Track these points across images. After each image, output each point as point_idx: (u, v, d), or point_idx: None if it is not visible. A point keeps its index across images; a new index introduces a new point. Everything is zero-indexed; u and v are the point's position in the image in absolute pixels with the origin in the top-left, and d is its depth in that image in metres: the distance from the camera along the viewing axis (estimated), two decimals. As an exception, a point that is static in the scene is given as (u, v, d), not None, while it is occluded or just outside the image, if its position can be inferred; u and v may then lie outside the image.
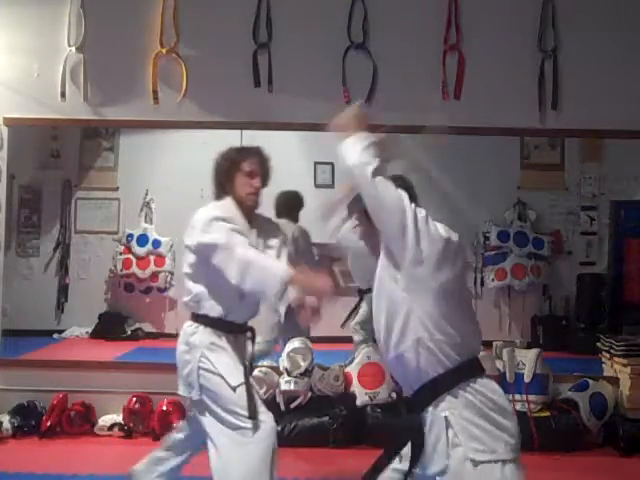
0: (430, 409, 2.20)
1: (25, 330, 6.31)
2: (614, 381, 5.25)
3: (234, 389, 3.25)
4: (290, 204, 6.16)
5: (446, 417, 2.17)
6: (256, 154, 3.60)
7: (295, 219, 6.19)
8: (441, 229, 2.34)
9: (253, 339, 3.48)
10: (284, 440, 4.93)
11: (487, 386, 2.26)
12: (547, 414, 5.06)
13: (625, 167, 6.61)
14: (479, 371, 2.28)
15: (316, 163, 7.02)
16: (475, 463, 2.13)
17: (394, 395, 5.11)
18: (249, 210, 3.56)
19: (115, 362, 5.95)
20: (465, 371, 2.24)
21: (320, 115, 5.26)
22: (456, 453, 2.15)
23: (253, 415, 3.19)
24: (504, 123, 5.24)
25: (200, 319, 3.38)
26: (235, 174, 3.55)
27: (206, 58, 5.32)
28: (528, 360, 5.22)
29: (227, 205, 3.50)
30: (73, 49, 5.31)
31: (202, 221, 3.38)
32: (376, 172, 2.31)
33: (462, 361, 2.23)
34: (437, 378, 2.20)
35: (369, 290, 2.54)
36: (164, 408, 5.16)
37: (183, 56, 5.31)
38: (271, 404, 5.10)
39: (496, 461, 2.14)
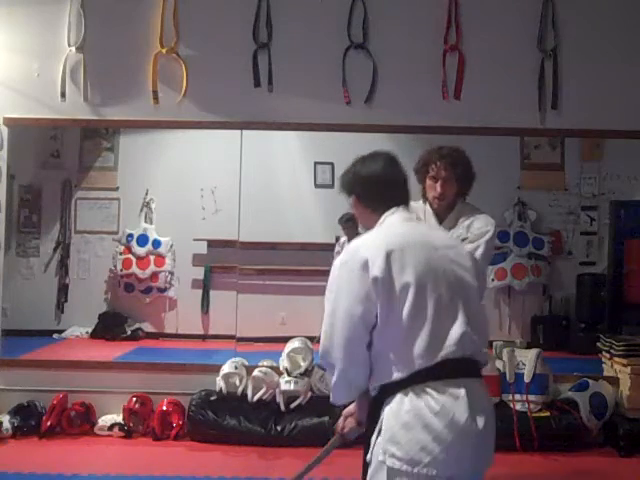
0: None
1: (25, 330, 6.31)
2: (614, 381, 5.25)
3: None
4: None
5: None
6: (443, 158, 3.50)
7: None
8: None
9: None
10: (284, 440, 4.95)
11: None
12: (547, 414, 5.06)
13: (625, 167, 6.61)
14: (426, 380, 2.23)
15: (316, 163, 7.02)
16: (383, 465, 2.20)
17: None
18: (439, 212, 3.53)
19: (115, 362, 5.95)
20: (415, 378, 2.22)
21: (320, 115, 5.33)
22: (377, 449, 2.23)
23: None
24: (504, 123, 5.24)
25: None
26: (424, 176, 3.54)
27: (206, 58, 5.33)
28: (528, 360, 5.22)
29: (414, 207, 3.31)
30: (73, 49, 5.31)
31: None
32: None
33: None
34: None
35: None
36: (164, 408, 5.16)
37: (183, 56, 5.31)
38: (271, 404, 5.12)
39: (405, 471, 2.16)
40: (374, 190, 2.46)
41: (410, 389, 2.20)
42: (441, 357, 2.20)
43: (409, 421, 2.17)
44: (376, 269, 2.22)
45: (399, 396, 2.21)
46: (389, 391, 2.25)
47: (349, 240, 6.26)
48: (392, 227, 2.40)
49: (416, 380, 2.20)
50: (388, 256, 2.24)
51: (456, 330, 2.24)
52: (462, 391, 2.19)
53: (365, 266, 2.24)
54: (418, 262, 2.27)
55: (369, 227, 2.47)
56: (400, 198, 2.47)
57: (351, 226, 5.89)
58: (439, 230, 2.62)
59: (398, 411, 2.20)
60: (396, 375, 2.22)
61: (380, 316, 2.23)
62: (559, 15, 5.28)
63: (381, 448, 2.20)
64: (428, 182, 3.52)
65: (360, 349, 2.27)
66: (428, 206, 3.56)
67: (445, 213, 3.54)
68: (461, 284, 2.33)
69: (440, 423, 2.15)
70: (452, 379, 2.21)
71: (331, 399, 2.44)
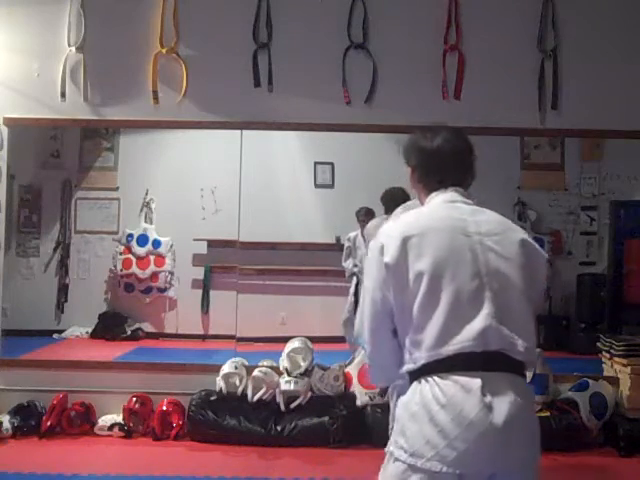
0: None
1: (25, 330, 6.31)
2: (614, 381, 5.25)
3: None
4: (398, 199, 6.08)
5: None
6: None
7: None
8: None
9: None
10: (284, 440, 4.95)
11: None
12: (547, 414, 5.05)
13: (625, 167, 6.60)
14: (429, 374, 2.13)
15: (316, 163, 7.02)
16: (392, 456, 2.15)
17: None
18: None
19: (115, 362, 5.95)
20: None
21: (320, 115, 5.33)
22: (391, 438, 2.20)
23: None
24: (504, 123, 5.24)
25: None
26: None
27: (206, 58, 5.33)
28: (528, 360, 5.21)
29: (412, 206, 3.40)
30: (73, 49, 5.31)
31: None
32: None
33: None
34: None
35: None
36: (164, 408, 5.16)
37: (183, 56, 5.31)
38: (271, 404, 5.12)
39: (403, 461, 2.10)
40: (429, 165, 2.32)
41: (423, 379, 2.11)
42: (454, 351, 2.07)
43: (417, 412, 2.09)
44: (388, 256, 2.14)
45: (414, 385, 2.14)
46: (410, 379, 2.18)
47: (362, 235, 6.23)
48: (426, 210, 2.28)
49: (427, 371, 2.11)
50: (405, 242, 2.13)
51: (477, 323, 2.08)
52: (476, 383, 2.04)
53: (381, 252, 2.16)
54: (438, 248, 2.13)
55: (422, 204, 2.36)
56: (457, 178, 2.30)
57: (369, 220, 5.88)
58: (486, 214, 2.27)
59: (409, 402, 2.13)
60: (408, 365, 2.16)
61: (395, 304, 2.15)
62: (559, 15, 5.28)
63: (392, 438, 2.15)
64: None
65: (385, 335, 2.20)
66: None
67: None
68: (495, 274, 2.14)
69: (447, 416, 2.04)
70: (467, 371, 2.07)
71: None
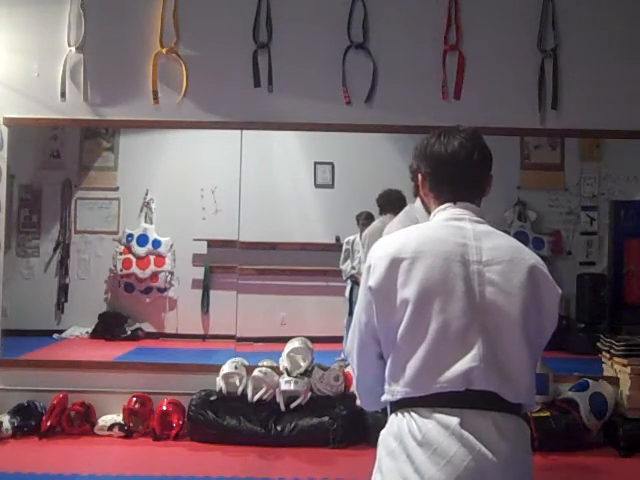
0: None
1: (25, 330, 6.31)
2: (614, 381, 5.24)
3: None
4: (393, 201, 6.09)
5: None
6: None
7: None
8: None
9: None
10: (284, 440, 4.95)
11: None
12: (547, 414, 5.05)
13: (625, 167, 6.60)
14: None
15: (316, 163, 7.02)
16: None
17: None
18: None
19: (115, 362, 5.95)
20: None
21: (320, 115, 5.33)
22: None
23: None
24: (504, 123, 5.24)
25: None
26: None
27: (206, 58, 5.33)
28: (528, 360, 5.21)
29: (416, 208, 3.44)
30: (73, 49, 5.31)
31: None
32: None
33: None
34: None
35: None
36: (164, 408, 5.16)
37: (183, 56, 5.31)
38: (271, 404, 5.12)
39: None
40: (441, 173, 2.05)
41: (400, 412, 1.94)
42: (434, 391, 1.88)
43: (394, 449, 1.93)
44: (373, 279, 1.95)
45: (392, 417, 1.98)
46: (389, 409, 2.01)
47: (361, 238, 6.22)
48: (425, 228, 2.06)
49: (404, 404, 1.93)
50: (393, 265, 1.93)
51: (462, 365, 1.87)
52: (454, 420, 1.86)
53: (368, 273, 1.98)
54: (427, 276, 1.91)
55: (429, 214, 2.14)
56: (470, 191, 2.05)
57: (369, 225, 5.86)
58: (494, 239, 2.00)
59: (387, 436, 1.97)
60: (386, 396, 1.98)
61: (379, 330, 1.97)
62: (559, 15, 5.28)
63: (372, 476, 2.01)
64: None
65: (371, 359, 2.03)
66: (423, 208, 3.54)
67: None
68: (491, 311, 1.91)
69: (423, 454, 1.87)
70: (447, 407, 1.88)
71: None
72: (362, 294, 2.00)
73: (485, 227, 2.02)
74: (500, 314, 1.92)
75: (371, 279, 1.96)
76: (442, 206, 2.06)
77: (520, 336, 1.93)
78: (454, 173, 2.04)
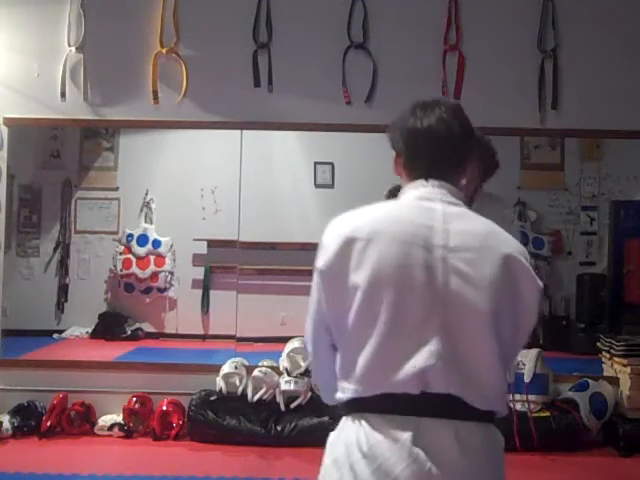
0: None
1: (25, 330, 6.31)
2: (614, 381, 5.24)
3: None
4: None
5: None
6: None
7: None
8: None
9: None
10: (284, 440, 4.95)
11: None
12: (547, 414, 5.06)
13: (625, 167, 6.60)
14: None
15: (316, 163, 7.01)
16: None
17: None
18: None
19: (115, 362, 5.94)
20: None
21: (320, 115, 5.33)
22: None
23: None
24: (504, 123, 5.24)
25: None
26: None
27: (206, 58, 5.33)
28: (528, 360, 5.21)
29: None
30: (73, 49, 5.31)
31: None
32: None
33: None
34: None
35: None
36: (164, 408, 5.16)
37: (183, 56, 5.31)
38: (271, 404, 5.12)
39: None
40: (416, 149, 1.84)
41: (351, 415, 1.75)
42: (385, 390, 1.68)
43: (339, 457, 1.74)
44: (322, 259, 1.76)
45: (342, 420, 1.79)
46: (341, 410, 1.80)
47: None
48: (387, 207, 1.85)
49: (354, 407, 1.74)
50: (346, 245, 1.72)
51: (417, 360, 1.66)
52: (406, 434, 1.65)
53: (318, 251, 1.79)
54: (381, 259, 1.69)
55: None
56: (445, 168, 1.83)
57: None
58: (467, 221, 1.78)
59: (334, 442, 1.78)
60: (338, 394, 1.78)
61: (329, 318, 1.79)
62: (559, 15, 5.28)
63: None
64: None
65: (324, 349, 1.84)
66: None
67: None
68: (454, 303, 1.68)
69: (367, 468, 1.67)
70: (399, 415, 1.67)
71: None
72: (314, 277, 1.81)
73: (459, 209, 1.79)
74: (465, 308, 1.69)
75: (320, 260, 1.76)
76: (413, 183, 1.84)
77: (488, 334, 1.70)
78: (429, 148, 1.83)
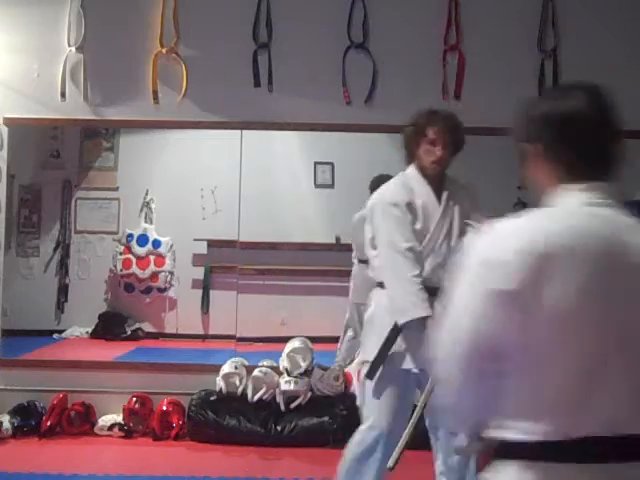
0: None
1: (25, 330, 6.31)
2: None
3: None
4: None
5: None
6: (443, 121, 3.46)
7: None
8: None
9: None
10: (284, 440, 4.95)
11: None
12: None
13: (625, 167, 6.60)
14: None
15: (316, 163, 7.01)
16: None
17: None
18: (434, 178, 3.47)
19: (115, 362, 5.95)
20: None
21: (320, 115, 5.33)
22: None
23: None
24: (504, 123, 5.20)
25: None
26: (419, 140, 3.45)
27: (206, 58, 5.33)
28: None
29: (408, 175, 3.48)
30: (73, 49, 5.31)
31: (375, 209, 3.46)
32: None
33: None
34: None
35: None
36: (164, 408, 5.16)
37: (183, 56, 5.31)
38: (271, 404, 5.12)
39: None
40: (570, 138, 1.58)
41: (525, 465, 1.44)
42: (582, 433, 1.43)
43: None
44: (505, 279, 1.46)
45: (508, 471, 1.47)
46: (497, 454, 1.51)
47: None
48: (564, 215, 1.53)
49: (543, 455, 1.44)
50: (540, 262, 1.44)
51: (606, 398, 1.44)
52: None
53: (491, 268, 1.48)
54: (583, 281, 1.43)
55: (539, 196, 1.62)
56: (604, 164, 1.63)
57: None
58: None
59: None
60: (510, 434, 1.48)
61: (501, 344, 1.48)
62: (559, 15, 5.28)
63: None
64: (426, 146, 3.44)
65: (476, 377, 1.54)
66: (416, 172, 3.47)
67: (437, 180, 3.48)
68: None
69: None
70: (597, 464, 1.42)
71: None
72: (479, 295, 1.49)
73: (631, 219, 1.57)
74: None
75: (502, 280, 1.45)
76: (566, 185, 1.54)
77: None
78: (586, 137, 1.59)
